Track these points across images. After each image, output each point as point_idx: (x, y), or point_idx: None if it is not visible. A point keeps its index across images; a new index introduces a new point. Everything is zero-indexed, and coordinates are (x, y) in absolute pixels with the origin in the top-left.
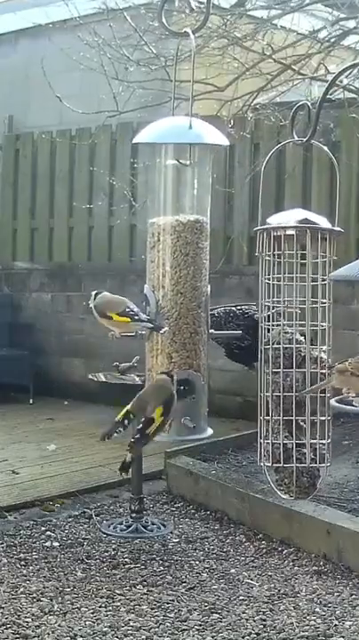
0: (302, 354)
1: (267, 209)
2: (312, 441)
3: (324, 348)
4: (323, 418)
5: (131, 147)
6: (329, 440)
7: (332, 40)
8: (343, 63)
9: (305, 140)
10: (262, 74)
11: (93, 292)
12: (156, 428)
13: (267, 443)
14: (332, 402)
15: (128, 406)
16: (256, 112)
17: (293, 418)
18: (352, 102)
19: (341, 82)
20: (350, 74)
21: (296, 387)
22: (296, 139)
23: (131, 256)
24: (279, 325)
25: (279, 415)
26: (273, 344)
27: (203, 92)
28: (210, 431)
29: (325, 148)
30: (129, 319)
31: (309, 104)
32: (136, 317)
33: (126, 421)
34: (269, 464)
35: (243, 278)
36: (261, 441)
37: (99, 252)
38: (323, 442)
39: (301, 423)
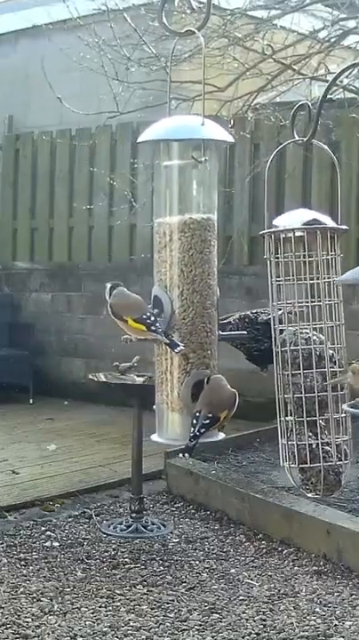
0: (318, 353)
1: (267, 209)
2: (336, 438)
3: (338, 346)
4: (343, 415)
5: (131, 147)
6: (350, 436)
7: (332, 40)
8: (343, 63)
9: (305, 139)
10: (262, 74)
11: (108, 285)
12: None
13: (291, 444)
14: (345, 407)
15: (197, 407)
16: (256, 112)
17: (317, 418)
18: (352, 102)
19: (341, 82)
20: (350, 74)
21: (316, 387)
22: (296, 139)
23: (131, 256)
24: (293, 326)
25: (301, 416)
26: (289, 345)
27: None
28: (222, 434)
29: (326, 147)
30: (145, 328)
31: (310, 104)
32: (152, 328)
33: (194, 420)
34: (295, 465)
35: (243, 278)
36: (284, 442)
37: (99, 252)
38: (346, 438)
39: (322, 422)
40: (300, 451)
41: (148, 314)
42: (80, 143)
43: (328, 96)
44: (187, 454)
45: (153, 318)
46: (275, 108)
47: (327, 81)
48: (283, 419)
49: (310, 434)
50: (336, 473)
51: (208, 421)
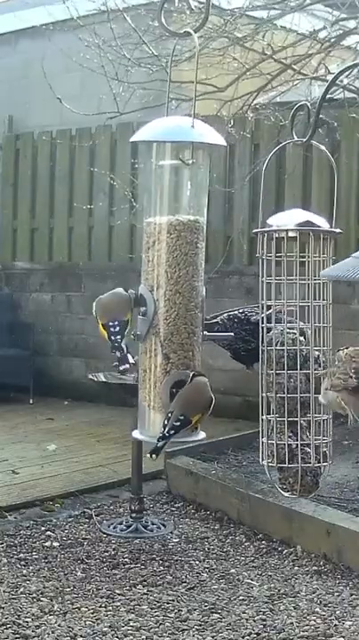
0: (304, 353)
1: (267, 209)
2: (315, 440)
3: (324, 348)
4: (325, 417)
5: (132, 147)
6: (331, 438)
7: (332, 40)
8: (343, 63)
9: (305, 140)
10: (262, 74)
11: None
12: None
13: (271, 443)
14: (320, 398)
15: (171, 407)
16: (256, 112)
17: (298, 418)
18: (352, 102)
19: (341, 82)
20: (350, 74)
21: (299, 387)
22: (296, 139)
23: (131, 256)
24: (281, 325)
25: (283, 416)
26: (276, 344)
27: (203, 92)
28: (202, 434)
29: (323, 148)
30: (106, 335)
31: (309, 104)
32: (112, 337)
33: (165, 421)
34: (274, 464)
35: (243, 278)
36: (263, 440)
37: (99, 251)
38: (326, 440)
39: (304, 423)
40: (279, 450)
41: (116, 322)
42: (80, 143)
43: (328, 96)
44: (154, 455)
45: (118, 328)
46: (275, 108)
47: (327, 81)
48: (264, 417)
49: (290, 434)
50: (314, 474)
51: (179, 423)
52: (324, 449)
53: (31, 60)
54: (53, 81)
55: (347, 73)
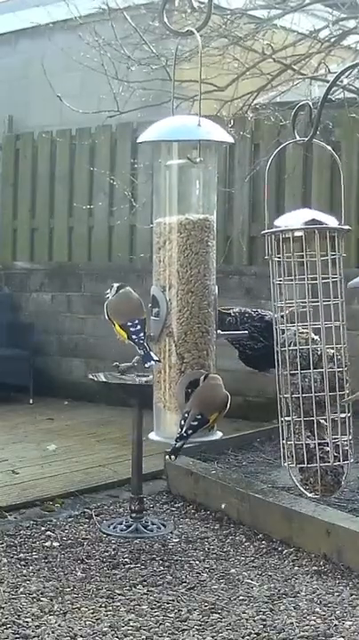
0: (318, 353)
1: (267, 209)
2: (334, 439)
3: (339, 346)
4: (344, 415)
5: (132, 147)
6: (351, 437)
7: (332, 40)
8: (343, 63)
9: (306, 140)
10: (262, 74)
11: (115, 285)
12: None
13: (290, 444)
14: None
15: (187, 407)
16: (256, 112)
17: (314, 418)
18: (352, 102)
19: (341, 82)
20: (350, 74)
21: (314, 387)
22: (297, 139)
23: (131, 256)
24: (293, 326)
25: (299, 416)
26: (289, 345)
27: (203, 91)
28: (219, 434)
29: (329, 147)
30: (126, 335)
31: (310, 104)
32: (133, 337)
33: (182, 421)
34: (294, 465)
35: (243, 278)
36: (283, 442)
37: (99, 252)
38: (345, 439)
39: (322, 422)
40: (298, 451)
41: (136, 321)
42: (80, 143)
43: (328, 96)
44: (173, 456)
45: (139, 327)
46: (275, 108)
47: (327, 81)
48: (282, 419)
49: (309, 434)
50: (334, 474)
51: (196, 422)
52: (345, 447)
53: (31, 59)
54: (53, 80)
55: (347, 73)
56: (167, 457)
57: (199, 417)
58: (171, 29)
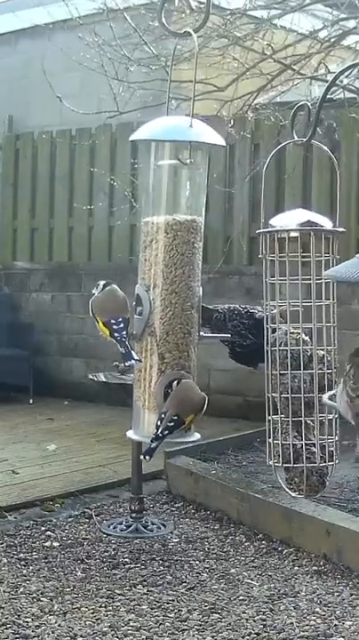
0: (308, 354)
1: (267, 209)
2: (321, 440)
3: (329, 347)
4: (330, 416)
5: (132, 147)
6: (336, 438)
7: (332, 40)
8: (343, 63)
9: (305, 140)
10: (262, 74)
11: (101, 283)
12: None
13: (277, 443)
14: (324, 397)
15: (164, 407)
16: (256, 112)
17: (302, 418)
18: (352, 102)
19: (341, 82)
20: (350, 74)
21: (303, 387)
22: (296, 139)
23: (131, 256)
24: (285, 325)
25: (288, 416)
26: (279, 345)
27: (203, 91)
28: (197, 435)
29: (325, 148)
30: (108, 333)
31: (309, 104)
32: (115, 335)
33: (159, 422)
34: (279, 464)
35: (242, 278)
36: (270, 441)
37: (99, 252)
38: (331, 440)
39: (309, 422)
40: (285, 450)
41: (120, 319)
42: (80, 143)
43: (328, 96)
44: (148, 456)
45: (122, 325)
46: (275, 108)
47: (327, 81)
48: (270, 417)
49: (296, 434)
50: (319, 474)
51: (172, 424)
52: (331, 448)
53: (31, 59)
54: (53, 80)
55: (347, 73)
56: (141, 457)
57: (175, 418)
58: (169, 30)
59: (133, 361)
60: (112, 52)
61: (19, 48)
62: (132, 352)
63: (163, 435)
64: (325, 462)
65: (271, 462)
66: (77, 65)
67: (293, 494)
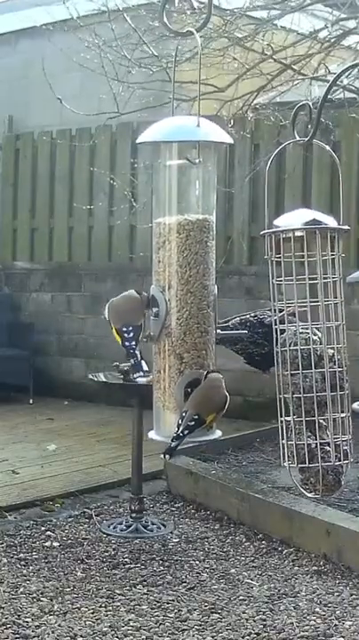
0: (318, 352)
1: (268, 209)
2: (335, 439)
3: (339, 346)
4: (343, 415)
5: (132, 147)
6: (351, 436)
7: (332, 40)
8: (343, 63)
9: (306, 140)
10: (262, 74)
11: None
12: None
13: (291, 444)
14: (355, 405)
15: (185, 407)
16: (256, 112)
17: (315, 418)
18: (352, 102)
19: (341, 82)
20: (350, 74)
21: (315, 387)
22: (297, 139)
23: (131, 256)
24: (294, 326)
25: (301, 416)
26: (289, 345)
27: (203, 92)
28: (218, 432)
29: (328, 147)
30: (120, 341)
31: (311, 104)
32: (126, 343)
33: (180, 420)
34: (294, 465)
35: (243, 278)
36: (283, 442)
37: (99, 251)
38: (345, 438)
39: (322, 422)
40: (299, 451)
41: (130, 327)
42: (80, 143)
43: (328, 96)
44: (167, 455)
45: (132, 334)
46: (275, 108)
47: (327, 81)
48: (282, 419)
49: (309, 434)
50: (335, 473)
51: (193, 423)
52: (345, 447)
53: (31, 59)
54: (53, 81)
55: (347, 73)
56: (162, 456)
57: (196, 417)
58: (170, 29)
59: (141, 373)
60: (112, 53)
61: (19, 48)
62: (142, 362)
63: (183, 434)
64: (340, 461)
65: (285, 464)
66: (77, 65)
67: (309, 495)
